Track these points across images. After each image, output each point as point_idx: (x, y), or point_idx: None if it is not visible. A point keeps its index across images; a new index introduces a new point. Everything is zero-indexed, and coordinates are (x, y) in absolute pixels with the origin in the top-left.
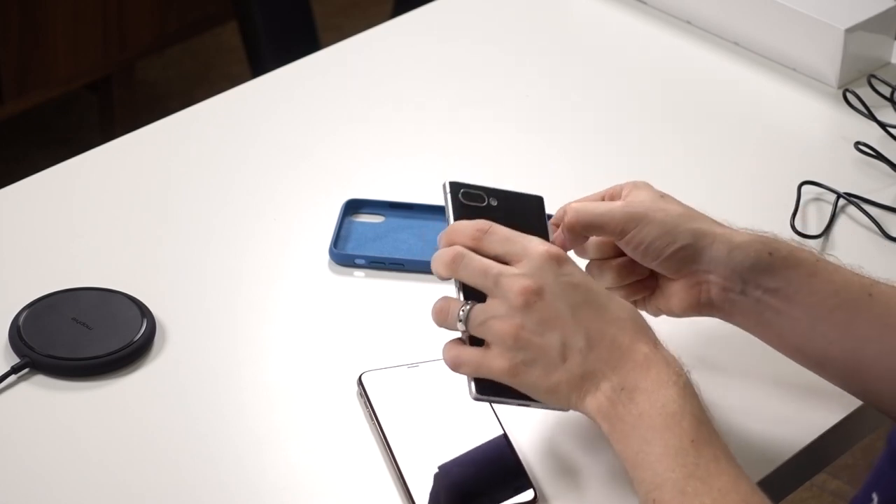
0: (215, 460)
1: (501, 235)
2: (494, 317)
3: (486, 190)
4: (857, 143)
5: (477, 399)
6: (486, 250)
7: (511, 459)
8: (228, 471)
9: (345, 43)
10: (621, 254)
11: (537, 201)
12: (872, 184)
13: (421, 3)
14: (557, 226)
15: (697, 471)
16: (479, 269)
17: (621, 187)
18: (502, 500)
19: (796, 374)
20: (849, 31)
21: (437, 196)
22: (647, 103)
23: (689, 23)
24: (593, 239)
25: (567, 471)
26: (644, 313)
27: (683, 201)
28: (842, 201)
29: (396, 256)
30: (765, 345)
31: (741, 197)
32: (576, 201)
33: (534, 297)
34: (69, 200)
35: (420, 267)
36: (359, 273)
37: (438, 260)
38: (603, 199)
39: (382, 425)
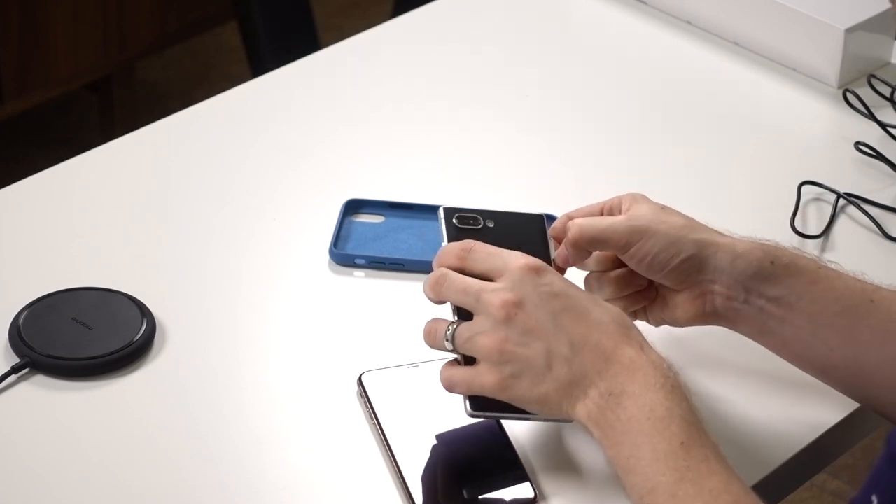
0: (215, 460)
1: (484, 253)
2: (479, 333)
3: (482, 212)
4: (857, 143)
5: (472, 416)
6: (470, 269)
7: (511, 459)
8: (228, 471)
9: (345, 43)
10: (619, 266)
11: (538, 220)
12: (872, 184)
13: (421, 3)
14: (557, 239)
15: (688, 473)
16: (461, 287)
17: (619, 200)
18: (502, 500)
19: (796, 374)
20: (849, 31)
21: (437, 196)
22: (647, 103)
23: (689, 23)
24: (596, 253)
25: (567, 470)
26: (644, 324)
27: (683, 202)
28: (842, 201)
29: (396, 256)
30: (763, 347)
31: (741, 197)
32: (576, 213)
33: (514, 310)
34: (69, 200)
35: (420, 267)
36: (359, 273)
37: (426, 284)
38: (602, 212)
39: (382, 425)
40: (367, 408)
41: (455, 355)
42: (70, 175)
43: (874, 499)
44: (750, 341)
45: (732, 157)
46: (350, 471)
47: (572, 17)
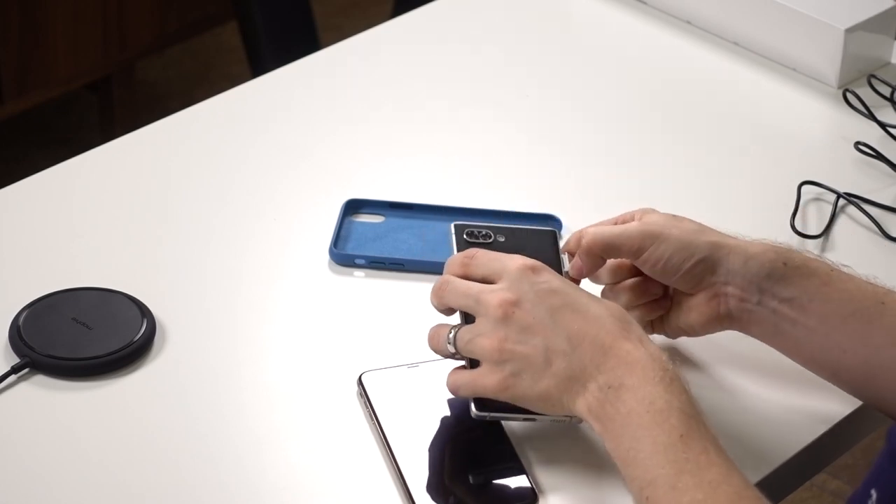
0: (215, 460)
1: (485, 258)
2: (479, 334)
3: (493, 228)
4: (857, 143)
5: (477, 417)
6: (473, 275)
7: (510, 458)
8: (228, 471)
9: (345, 43)
10: (633, 276)
11: (550, 235)
12: (872, 184)
13: (421, 3)
14: (571, 253)
15: (688, 465)
16: (462, 291)
17: (631, 214)
18: (502, 499)
19: (796, 374)
20: (849, 31)
21: (437, 196)
22: (647, 103)
23: (689, 23)
24: (607, 264)
25: (567, 470)
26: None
27: (683, 202)
28: (842, 201)
29: (396, 256)
30: (765, 345)
31: (741, 197)
32: (590, 226)
33: (512, 308)
34: (69, 200)
35: (420, 267)
36: (359, 273)
37: (431, 292)
38: (615, 224)
39: (382, 425)
40: (367, 408)
41: (462, 361)
42: (70, 175)
43: (873, 493)
44: (750, 342)
45: (732, 157)
46: (350, 471)
47: (572, 17)
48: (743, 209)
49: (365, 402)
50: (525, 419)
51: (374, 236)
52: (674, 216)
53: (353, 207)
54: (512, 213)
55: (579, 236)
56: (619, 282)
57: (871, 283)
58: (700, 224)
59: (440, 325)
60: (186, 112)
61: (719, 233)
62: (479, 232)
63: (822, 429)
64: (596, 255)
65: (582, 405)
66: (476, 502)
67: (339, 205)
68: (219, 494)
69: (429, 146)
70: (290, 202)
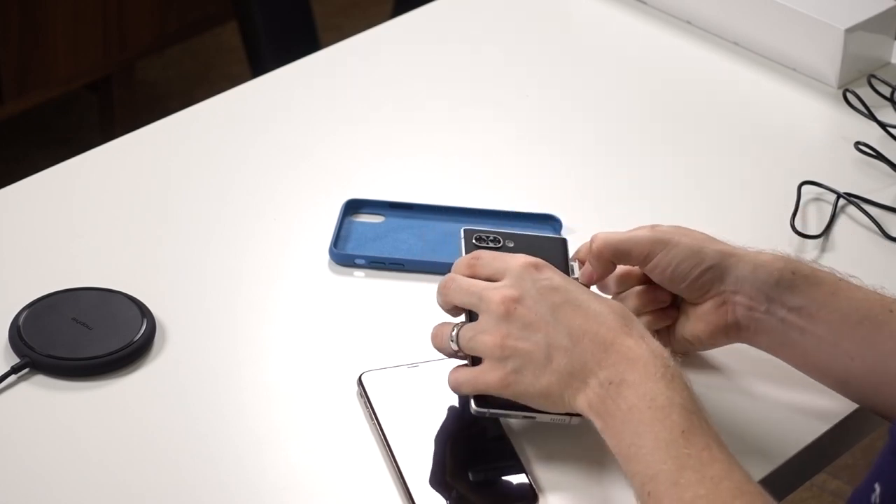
0: (215, 460)
1: (490, 258)
2: (482, 331)
3: (502, 234)
4: (857, 143)
5: (477, 413)
6: (478, 275)
7: (510, 458)
8: (228, 471)
9: (345, 43)
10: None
11: (560, 243)
12: (872, 184)
13: (421, 3)
14: (582, 260)
15: (689, 461)
16: (465, 288)
17: (642, 227)
18: (502, 499)
19: (795, 376)
20: (849, 31)
21: (437, 196)
22: (647, 103)
23: (689, 23)
24: (616, 271)
25: (567, 469)
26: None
27: (682, 202)
28: (842, 201)
29: (396, 256)
30: (741, 343)
31: (741, 197)
32: (601, 232)
33: (514, 304)
34: (69, 200)
35: (420, 267)
36: (359, 273)
37: (437, 290)
38: None
39: (382, 425)
40: (367, 408)
41: (464, 360)
42: (70, 175)
43: (877, 487)
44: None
45: (732, 157)
46: (350, 471)
47: (572, 17)
48: (743, 209)
49: (365, 402)
50: (525, 416)
51: (374, 236)
52: (683, 227)
53: (353, 207)
54: (512, 213)
55: (589, 244)
56: (625, 290)
57: (879, 293)
58: (708, 235)
59: (443, 324)
60: (186, 112)
61: (726, 243)
62: (489, 237)
63: (822, 428)
64: (606, 259)
65: (583, 401)
66: (476, 502)
67: (339, 205)
68: (219, 494)
69: (429, 146)
70: (290, 202)
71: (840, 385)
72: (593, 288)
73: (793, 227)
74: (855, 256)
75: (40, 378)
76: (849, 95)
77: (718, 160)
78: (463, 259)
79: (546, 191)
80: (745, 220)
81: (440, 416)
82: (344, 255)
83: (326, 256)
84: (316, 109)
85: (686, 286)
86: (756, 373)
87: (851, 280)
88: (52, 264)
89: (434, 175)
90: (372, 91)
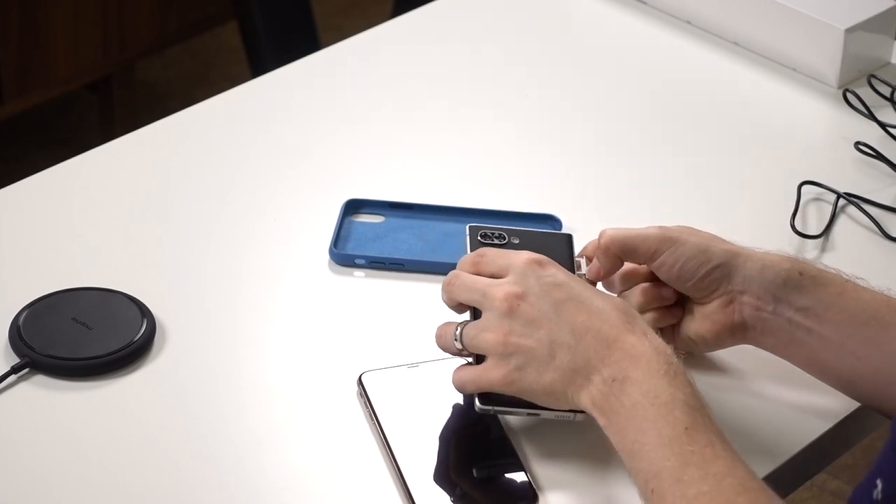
0: (215, 460)
1: (494, 255)
2: (485, 329)
3: (507, 230)
4: (857, 143)
5: (482, 411)
6: (482, 273)
7: (510, 458)
8: (228, 471)
9: (345, 43)
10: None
11: (565, 239)
12: (872, 184)
13: (421, 3)
14: (589, 257)
15: (693, 458)
16: (469, 285)
17: (650, 227)
18: (502, 500)
19: (797, 375)
20: (849, 31)
21: (437, 196)
22: (647, 103)
23: (689, 23)
24: (622, 269)
25: (567, 468)
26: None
27: (682, 202)
28: (842, 201)
29: (396, 256)
30: (746, 344)
31: (741, 197)
32: (609, 228)
33: (517, 301)
34: (69, 200)
35: (420, 267)
36: (359, 273)
37: (441, 288)
38: None
39: (382, 425)
40: (367, 408)
41: (468, 359)
42: (70, 175)
43: (879, 483)
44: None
45: (732, 157)
46: (350, 471)
47: (572, 17)
48: (743, 209)
49: (365, 402)
50: (529, 414)
51: (374, 236)
52: (690, 227)
53: (353, 207)
54: (512, 213)
55: (597, 240)
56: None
57: (886, 294)
58: (715, 235)
59: (447, 324)
60: (186, 112)
61: (733, 243)
62: (494, 233)
63: (822, 428)
64: (613, 255)
65: (586, 398)
66: (476, 501)
67: (339, 205)
68: (219, 494)
69: (429, 146)
70: (290, 202)
71: (846, 386)
72: (599, 285)
73: (793, 227)
74: (855, 256)
75: (40, 378)
76: (849, 95)
77: (718, 160)
78: (468, 256)
79: (546, 191)
80: (745, 220)
81: (440, 416)
82: (344, 255)
83: (326, 256)
84: (316, 109)
85: (692, 285)
86: (756, 372)
87: (858, 281)
88: (52, 264)
89: (434, 175)
90: (372, 91)
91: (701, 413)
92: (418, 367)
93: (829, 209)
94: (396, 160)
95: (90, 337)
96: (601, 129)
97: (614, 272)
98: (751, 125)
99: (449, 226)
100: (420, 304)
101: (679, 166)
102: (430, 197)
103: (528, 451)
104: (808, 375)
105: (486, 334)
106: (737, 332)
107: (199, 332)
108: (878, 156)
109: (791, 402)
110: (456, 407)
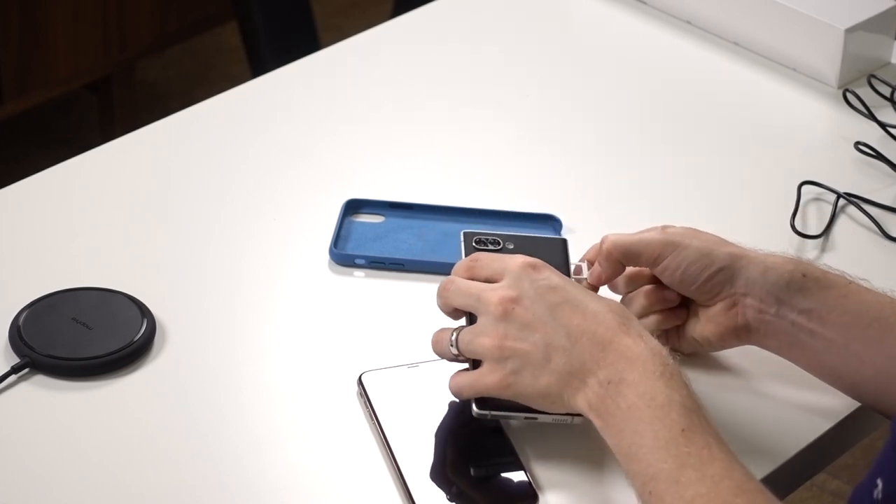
0: (215, 460)
1: (488, 259)
2: (480, 333)
3: (502, 235)
4: (857, 143)
5: (479, 416)
6: (477, 277)
7: (510, 458)
8: (228, 471)
9: (345, 43)
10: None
11: (560, 244)
12: (872, 184)
13: (421, 3)
14: (591, 261)
15: (690, 460)
16: (464, 290)
17: (653, 228)
18: (502, 500)
19: (797, 375)
20: (849, 31)
21: (437, 196)
22: (647, 103)
23: (689, 23)
24: (626, 272)
25: (566, 468)
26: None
27: (682, 202)
28: (842, 201)
29: (396, 256)
30: (751, 345)
31: (741, 197)
32: (611, 234)
33: (511, 305)
34: (69, 200)
35: (420, 267)
36: (359, 273)
37: (437, 293)
38: None
39: (382, 425)
40: (367, 408)
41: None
42: (70, 175)
43: (879, 482)
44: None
45: (732, 157)
46: (350, 471)
47: (572, 17)
48: (743, 209)
49: (365, 402)
50: (526, 418)
51: (374, 236)
52: (694, 228)
53: (353, 207)
54: (512, 214)
55: (599, 245)
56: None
57: (890, 296)
58: (719, 237)
59: (443, 329)
60: (186, 112)
61: (737, 245)
62: (488, 239)
63: (822, 428)
64: (615, 260)
65: (582, 401)
66: (476, 501)
67: (339, 205)
68: (219, 494)
69: (429, 146)
70: (290, 202)
71: (850, 387)
72: (603, 288)
73: (793, 227)
74: (855, 256)
75: (40, 378)
76: (849, 95)
77: (718, 160)
78: (462, 262)
79: (546, 191)
80: (745, 220)
81: (440, 416)
82: (344, 255)
83: (326, 256)
84: (316, 109)
85: (696, 288)
86: (756, 372)
87: (862, 283)
88: (52, 264)
89: (434, 175)
90: (372, 91)
91: (697, 414)
92: (418, 368)
93: (829, 209)
94: (396, 160)
95: (90, 337)
96: (601, 129)
97: (616, 277)
98: (751, 125)
99: (449, 226)
100: (420, 304)
101: (679, 166)
102: (430, 197)
103: (527, 451)
104: (807, 375)
105: (481, 339)
106: (741, 334)
107: (199, 332)
108: (878, 156)
109: (791, 402)
110: (455, 407)
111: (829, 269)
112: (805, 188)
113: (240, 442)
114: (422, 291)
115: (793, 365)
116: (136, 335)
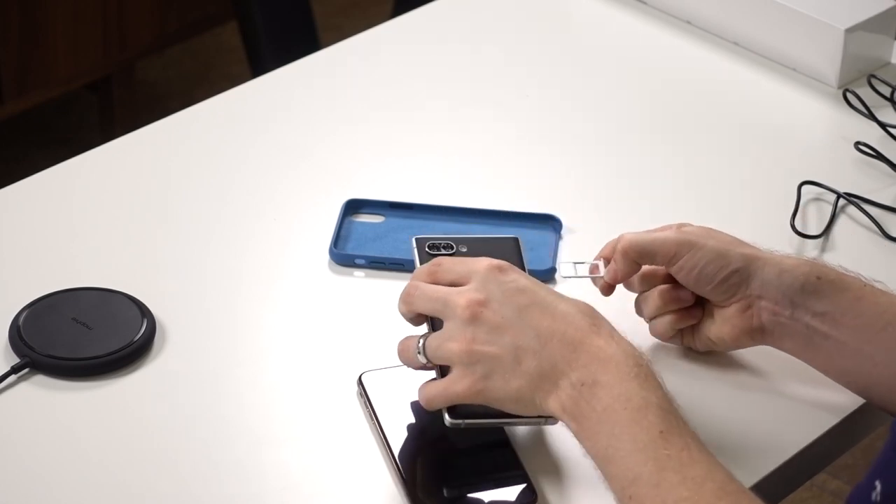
0: (215, 460)
1: (451, 263)
2: (449, 338)
3: (455, 239)
4: (857, 143)
5: (452, 425)
6: (441, 282)
7: (510, 459)
8: (228, 471)
9: (345, 43)
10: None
11: (513, 242)
12: (872, 184)
13: (421, 4)
14: (607, 259)
15: (670, 462)
16: (430, 294)
17: (669, 226)
18: (502, 501)
19: (797, 374)
20: (849, 31)
21: (437, 196)
22: (647, 103)
23: (689, 23)
24: (641, 270)
25: (567, 471)
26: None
27: (682, 202)
28: (842, 201)
29: (396, 256)
30: (765, 345)
31: (741, 197)
32: (628, 232)
33: (479, 308)
34: (69, 200)
35: None
36: (359, 273)
37: (399, 300)
38: None
39: (382, 425)
40: (367, 408)
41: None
42: (70, 175)
43: (878, 484)
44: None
45: (732, 157)
46: (350, 471)
47: (572, 17)
48: (743, 209)
49: (365, 402)
50: (500, 423)
51: (374, 236)
52: (710, 228)
53: (353, 207)
54: (512, 213)
55: (615, 242)
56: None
57: None
58: (736, 237)
59: (409, 337)
60: (186, 112)
61: (754, 246)
62: (441, 243)
63: (822, 428)
64: (631, 259)
65: (555, 403)
66: (475, 501)
67: (339, 205)
68: (219, 494)
69: (429, 146)
70: (290, 202)
71: (863, 389)
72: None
73: (793, 227)
74: (855, 256)
75: (40, 378)
76: (849, 95)
77: (718, 160)
78: (423, 267)
79: (546, 191)
80: (745, 220)
81: (440, 416)
82: (344, 255)
83: (326, 256)
84: (316, 109)
85: (711, 289)
86: (757, 372)
87: (876, 285)
88: (52, 264)
89: (434, 175)
90: (372, 91)
91: (674, 416)
92: None
93: (829, 209)
94: (396, 160)
95: (90, 337)
96: (601, 129)
97: (632, 275)
98: (751, 125)
99: (449, 226)
100: None
101: (679, 166)
102: (430, 197)
103: (527, 452)
104: (808, 375)
105: (449, 343)
106: (755, 335)
107: (199, 332)
108: (878, 156)
109: (790, 403)
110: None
111: (845, 271)
112: (805, 188)
113: (240, 442)
114: None
115: (793, 364)
116: (136, 335)
